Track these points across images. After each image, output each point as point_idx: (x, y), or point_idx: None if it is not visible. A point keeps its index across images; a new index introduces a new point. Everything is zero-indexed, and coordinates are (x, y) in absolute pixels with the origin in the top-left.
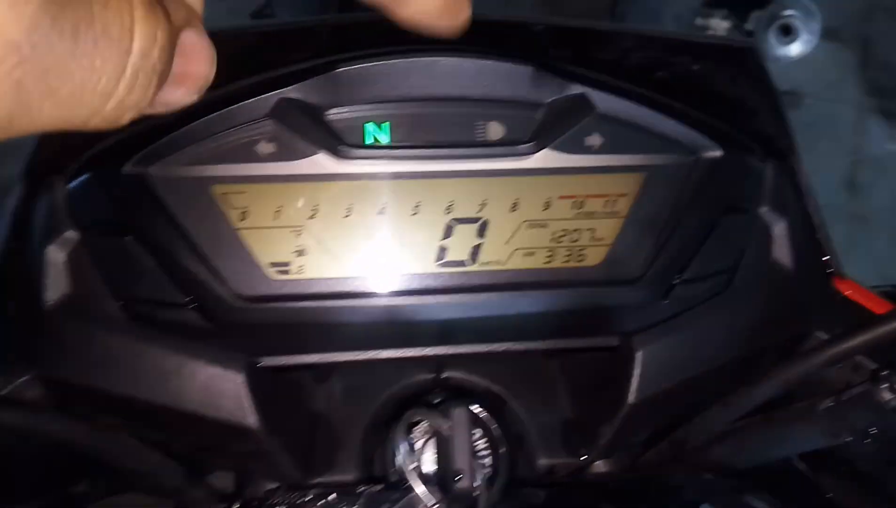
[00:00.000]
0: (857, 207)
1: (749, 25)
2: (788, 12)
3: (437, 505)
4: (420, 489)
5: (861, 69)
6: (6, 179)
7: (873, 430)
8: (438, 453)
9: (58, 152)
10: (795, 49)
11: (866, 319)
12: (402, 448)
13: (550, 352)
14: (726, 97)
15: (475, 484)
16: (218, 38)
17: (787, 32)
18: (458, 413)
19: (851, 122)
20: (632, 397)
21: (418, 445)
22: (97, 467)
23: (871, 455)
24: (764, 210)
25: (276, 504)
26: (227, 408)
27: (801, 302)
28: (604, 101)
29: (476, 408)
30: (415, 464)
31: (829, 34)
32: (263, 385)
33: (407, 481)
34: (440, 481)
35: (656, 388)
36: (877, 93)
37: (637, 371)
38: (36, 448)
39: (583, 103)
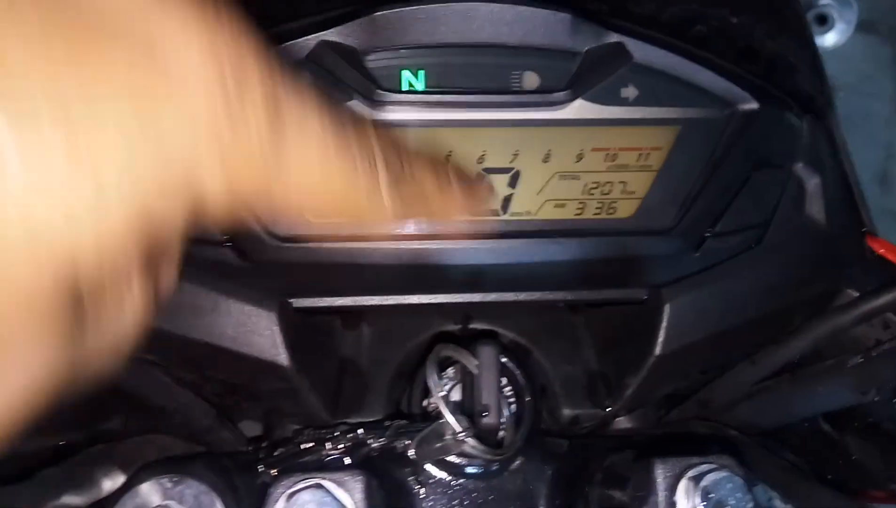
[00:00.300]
0: (891, 202)
1: None
2: (825, 1)
3: (463, 433)
4: (448, 416)
5: (894, 65)
6: None
7: None
8: (465, 390)
9: None
10: (830, 39)
11: None
12: (433, 377)
13: (578, 305)
14: (765, 52)
15: (501, 421)
16: None
17: (823, 22)
18: (486, 352)
19: (886, 116)
20: (658, 349)
21: (447, 383)
22: (128, 404)
23: None
24: (798, 166)
25: (303, 441)
26: (259, 345)
27: (833, 259)
28: (641, 50)
29: (502, 358)
30: (443, 393)
31: (864, 26)
32: (295, 325)
33: (434, 413)
34: (467, 414)
35: (684, 341)
36: None
37: (665, 323)
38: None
39: (620, 52)
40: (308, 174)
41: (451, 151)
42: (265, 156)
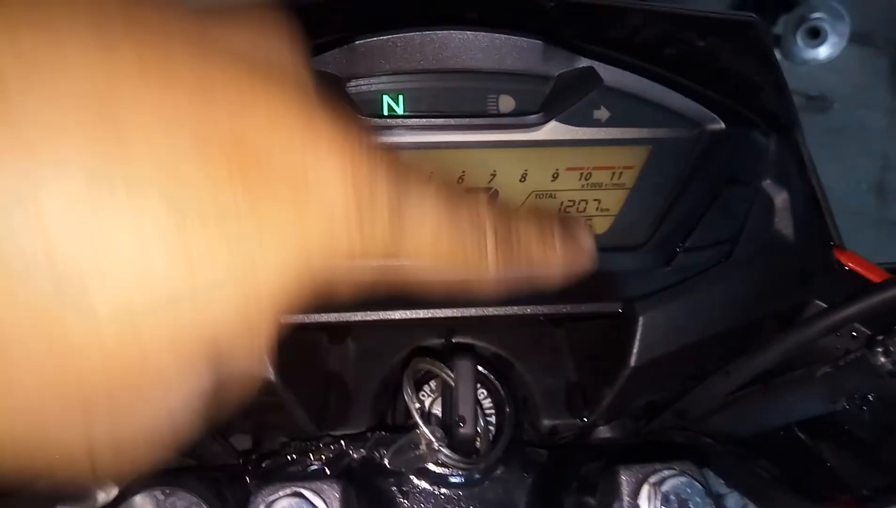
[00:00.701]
0: (887, 213)
1: (777, 28)
2: (816, 15)
3: (436, 443)
4: (422, 426)
5: (891, 74)
6: None
7: (870, 396)
8: (444, 403)
9: None
10: (824, 52)
11: (863, 288)
12: (407, 389)
13: (556, 318)
14: (731, 73)
15: (477, 430)
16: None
17: (815, 35)
18: (462, 364)
19: (881, 127)
20: (633, 360)
21: (426, 397)
22: None
23: (868, 423)
24: (766, 182)
25: (289, 453)
26: None
27: (802, 272)
28: (611, 74)
29: (483, 370)
30: (417, 404)
31: (858, 38)
32: (281, 341)
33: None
34: (444, 425)
35: (657, 352)
36: None
37: (639, 336)
38: None
39: (591, 76)
40: (421, 249)
41: (430, 173)
42: (385, 242)
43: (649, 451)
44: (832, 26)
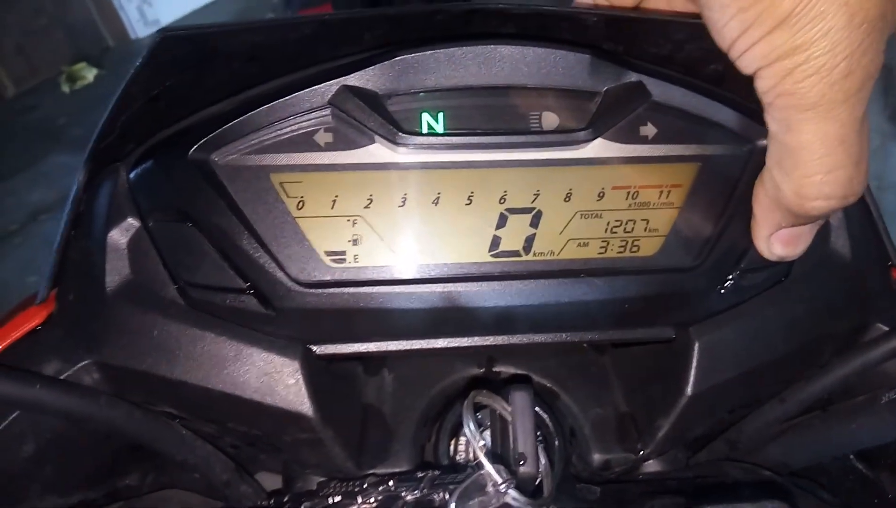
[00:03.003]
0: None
1: None
2: None
3: (504, 485)
4: (489, 467)
5: (883, 95)
6: (35, 205)
7: None
8: (497, 437)
9: (118, 141)
10: None
11: None
12: (470, 426)
13: (604, 345)
14: None
15: (539, 469)
16: (278, 27)
17: None
18: (520, 396)
19: (874, 148)
20: (690, 389)
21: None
22: (146, 460)
23: None
24: None
25: (330, 495)
26: (283, 395)
27: (860, 292)
28: (659, 88)
29: None
30: (483, 442)
31: None
32: (318, 374)
33: (468, 464)
34: (502, 463)
35: (715, 379)
36: None
37: (695, 362)
38: (89, 437)
39: (639, 91)
40: None
41: (472, 192)
42: None
43: (714, 487)
44: None
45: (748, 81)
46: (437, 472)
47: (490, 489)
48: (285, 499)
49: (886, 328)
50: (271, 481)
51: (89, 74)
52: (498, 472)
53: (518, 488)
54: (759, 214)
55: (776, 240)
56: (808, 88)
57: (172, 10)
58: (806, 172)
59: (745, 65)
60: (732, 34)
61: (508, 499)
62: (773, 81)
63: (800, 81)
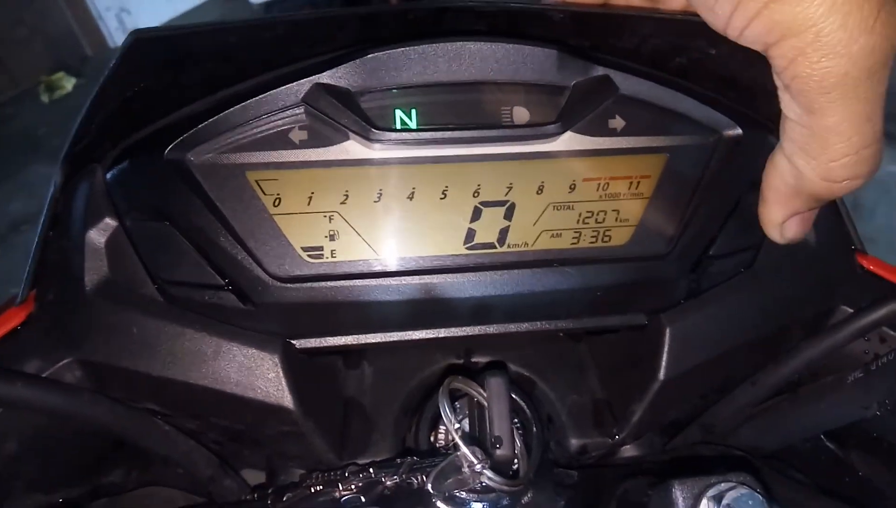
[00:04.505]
0: (862, 228)
1: None
2: None
3: (479, 465)
4: (465, 449)
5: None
6: (15, 215)
7: None
8: (474, 422)
9: (95, 142)
10: None
11: (889, 291)
12: (446, 411)
13: (578, 333)
14: (744, 80)
15: (515, 451)
16: (250, 27)
17: None
18: (496, 382)
19: None
20: (663, 373)
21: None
22: (130, 456)
23: None
24: None
25: (312, 485)
26: (263, 389)
27: (826, 277)
28: (626, 82)
29: None
30: (458, 425)
31: None
32: (298, 367)
33: (447, 447)
34: (480, 446)
35: (687, 364)
36: None
37: (667, 348)
38: (71, 434)
39: (606, 85)
40: None
41: (446, 187)
42: None
43: (687, 466)
44: None
45: (715, 72)
46: (415, 458)
47: (466, 469)
48: (269, 491)
49: (851, 311)
50: (255, 478)
51: (68, 83)
52: (473, 453)
53: (494, 469)
54: (773, 200)
55: (791, 224)
56: (827, 68)
57: (152, 18)
58: (834, 155)
59: (751, 44)
60: (724, 11)
61: (485, 479)
62: (785, 62)
63: (815, 61)
